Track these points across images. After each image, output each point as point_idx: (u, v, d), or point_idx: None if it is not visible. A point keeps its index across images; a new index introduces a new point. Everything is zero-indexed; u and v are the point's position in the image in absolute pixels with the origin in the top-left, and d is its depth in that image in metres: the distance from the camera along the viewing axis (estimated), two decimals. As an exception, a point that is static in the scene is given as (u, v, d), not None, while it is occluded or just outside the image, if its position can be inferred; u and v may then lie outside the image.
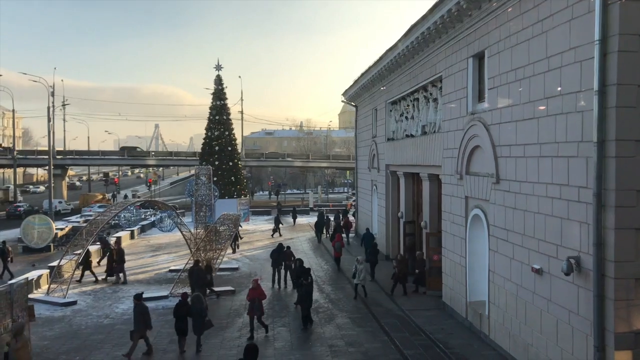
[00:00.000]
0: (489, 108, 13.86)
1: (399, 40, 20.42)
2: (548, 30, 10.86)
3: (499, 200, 13.32)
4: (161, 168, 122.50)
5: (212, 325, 14.50)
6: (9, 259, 25.64)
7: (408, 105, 22.79)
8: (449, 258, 17.32)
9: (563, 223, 10.41)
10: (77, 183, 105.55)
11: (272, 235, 36.83)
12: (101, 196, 68.99)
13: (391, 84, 24.79)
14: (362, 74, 28.62)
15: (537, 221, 11.39)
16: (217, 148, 46.44)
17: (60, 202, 61.34)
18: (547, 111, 10.89)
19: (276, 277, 21.74)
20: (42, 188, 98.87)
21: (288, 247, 22.37)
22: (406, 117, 23.03)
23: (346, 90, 34.34)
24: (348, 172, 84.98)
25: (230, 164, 46.66)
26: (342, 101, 36.58)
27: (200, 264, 19.66)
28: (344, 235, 30.79)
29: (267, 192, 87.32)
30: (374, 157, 29.04)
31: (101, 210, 36.83)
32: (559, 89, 10.44)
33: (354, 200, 47.39)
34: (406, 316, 17.09)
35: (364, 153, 32.69)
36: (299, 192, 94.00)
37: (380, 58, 24.05)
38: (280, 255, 21.88)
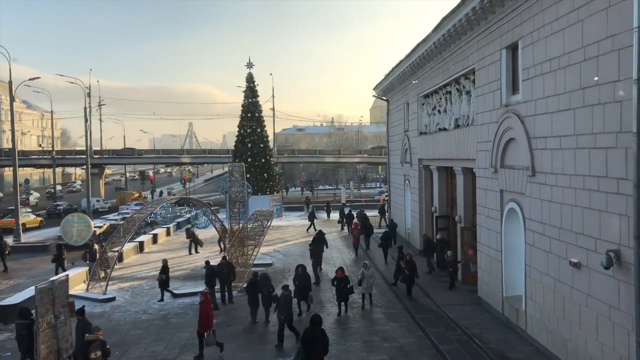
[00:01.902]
0: (524, 100, 13.64)
1: (431, 33, 20.23)
2: (584, 18, 10.60)
3: (535, 193, 13.10)
4: (195, 166, 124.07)
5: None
6: (7, 252, 26.39)
7: (440, 99, 22.59)
8: (484, 252, 17.13)
9: (602, 216, 10.18)
10: (119, 178, 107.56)
11: (307, 230, 37.15)
12: (137, 194, 70.32)
13: (423, 77, 24.59)
14: (394, 68, 28.46)
15: (575, 214, 11.17)
16: (249, 145, 46.81)
17: (98, 201, 62.65)
18: (584, 102, 10.65)
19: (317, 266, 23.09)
20: (78, 186, 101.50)
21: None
22: (439, 111, 22.83)
23: (377, 85, 34.20)
24: (380, 167, 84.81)
25: (263, 160, 46.98)
26: (374, 96, 36.45)
27: (227, 259, 20.00)
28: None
29: (299, 188, 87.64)
30: (407, 151, 28.87)
31: (138, 208, 37.51)
32: (596, 78, 10.19)
33: (386, 195, 47.22)
34: (441, 311, 16.97)
35: (396, 147, 32.52)
36: (331, 187, 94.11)
37: (412, 51, 23.87)
38: (320, 245, 23.85)
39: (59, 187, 78.08)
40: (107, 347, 11.25)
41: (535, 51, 12.89)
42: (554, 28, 11.85)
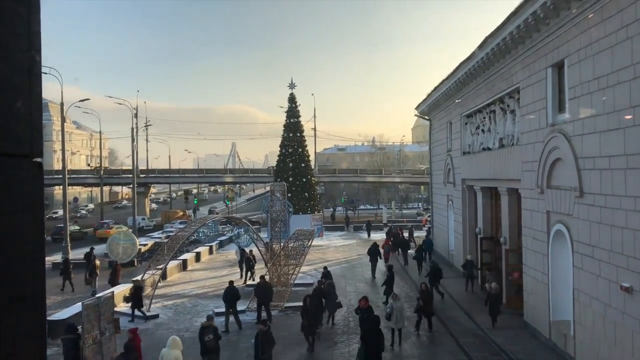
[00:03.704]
0: (571, 119, 13.35)
1: (475, 51, 20.11)
2: (634, 35, 10.36)
3: (583, 215, 12.74)
4: (238, 185, 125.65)
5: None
6: (95, 271, 26.64)
7: (484, 118, 22.34)
8: (530, 275, 16.71)
9: (655, 239, 9.81)
10: (154, 205, 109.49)
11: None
12: (182, 212, 71.59)
13: (466, 96, 24.39)
14: (436, 87, 28.34)
15: (626, 236, 10.80)
16: (291, 164, 47.22)
17: (143, 219, 64.02)
18: (634, 121, 10.35)
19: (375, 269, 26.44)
20: (124, 203, 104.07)
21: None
22: (482, 130, 22.57)
23: (419, 104, 34.08)
24: (422, 187, 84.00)
25: (304, 180, 47.29)
26: (416, 115, 36.38)
27: (266, 279, 20.02)
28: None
29: (340, 208, 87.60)
30: (449, 171, 28.57)
31: (182, 226, 38.19)
32: (647, 97, 9.91)
33: (428, 216, 46.69)
34: (485, 335, 16.57)
35: (438, 167, 32.23)
36: (372, 207, 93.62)
37: (455, 70, 23.75)
38: (377, 253, 27.53)
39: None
40: (219, 332, 14.11)
41: (582, 69, 12.63)
42: (602, 46, 11.61)
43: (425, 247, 29.77)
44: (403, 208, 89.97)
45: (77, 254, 36.89)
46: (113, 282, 24.06)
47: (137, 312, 20.08)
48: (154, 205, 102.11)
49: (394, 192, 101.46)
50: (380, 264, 28.08)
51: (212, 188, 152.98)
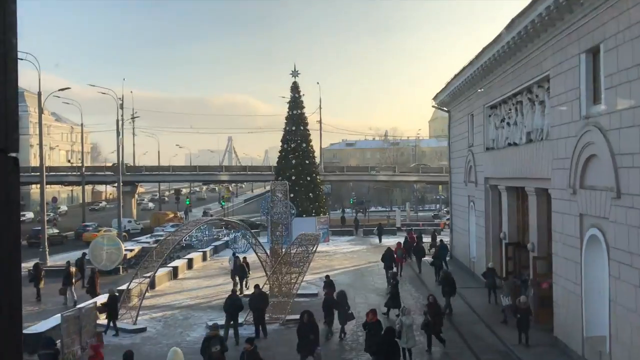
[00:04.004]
0: (607, 111, 13.31)
1: (500, 34, 20.06)
2: (678, 17, 10.31)
3: (621, 218, 12.70)
4: (235, 184, 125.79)
5: (353, 317, 17.52)
6: (70, 279, 26.57)
7: (510, 110, 22.30)
8: (561, 285, 16.67)
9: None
10: (150, 204, 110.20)
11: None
12: (172, 214, 71.79)
13: (490, 85, 24.35)
14: (457, 75, 28.30)
15: (669, 243, 10.75)
16: (293, 161, 47.16)
17: (129, 221, 64.21)
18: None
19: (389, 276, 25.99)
20: (102, 204, 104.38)
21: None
22: (508, 123, 22.53)
23: (437, 95, 34.03)
24: (440, 186, 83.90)
25: (308, 178, 47.22)
26: (433, 106, 36.32)
27: (260, 289, 20.00)
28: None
29: (349, 210, 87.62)
30: (471, 169, 28.53)
31: (174, 229, 38.32)
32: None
33: (447, 219, 46.63)
34: (511, 352, 16.56)
35: (458, 165, 32.18)
36: (384, 209, 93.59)
37: (478, 55, 23.71)
38: (392, 259, 28.09)
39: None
40: (225, 343, 14.61)
41: (620, 55, 12.58)
42: (643, 29, 11.56)
43: (440, 253, 30.05)
44: (419, 210, 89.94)
45: (55, 261, 37.05)
46: (92, 291, 24.13)
47: (119, 325, 20.14)
48: (151, 205, 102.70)
49: (408, 193, 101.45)
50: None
51: (210, 186, 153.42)
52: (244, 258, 27.74)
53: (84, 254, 30.99)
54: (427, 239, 38.40)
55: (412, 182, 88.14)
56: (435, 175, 77.92)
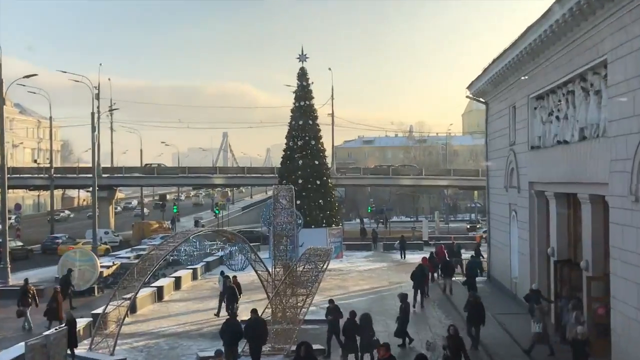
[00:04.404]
0: (677, 102, 13.21)
1: (551, 9, 19.96)
2: None
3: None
4: (231, 188, 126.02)
5: (379, 344, 16.63)
6: (27, 299, 26.74)
7: (559, 101, 22.19)
8: (619, 311, 16.56)
9: None
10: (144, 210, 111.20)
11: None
12: (157, 224, 71.97)
13: (535, 72, 24.25)
14: (495, 60, 28.20)
15: None
16: (300, 162, 47.13)
17: (106, 233, 64.38)
18: None
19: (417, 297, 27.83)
20: (65, 214, 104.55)
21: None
22: (557, 117, 22.42)
23: (473, 83, 33.93)
24: (476, 192, 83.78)
25: (318, 182, 47.16)
26: (467, 97, 36.23)
27: (258, 314, 19.91)
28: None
29: (367, 220, 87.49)
30: (512, 171, 28.43)
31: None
32: None
33: (484, 232, 46.48)
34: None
35: (498, 167, 32.06)
36: (409, 219, 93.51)
37: (521, 37, 23.62)
38: (423, 276, 28.89)
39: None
40: None
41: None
42: None
43: (470, 270, 30.15)
44: (450, 220, 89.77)
45: (19, 279, 37.12)
46: (53, 315, 24.17)
47: (93, 356, 20.15)
48: (144, 210, 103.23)
49: (438, 200, 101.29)
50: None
51: (201, 192, 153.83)
52: (234, 278, 27.54)
53: (70, 271, 31.00)
54: (466, 255, 38.30)
55: (442, 187, 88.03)
56: (470, 179, 77.77)
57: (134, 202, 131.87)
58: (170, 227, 74.12)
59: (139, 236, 65.29)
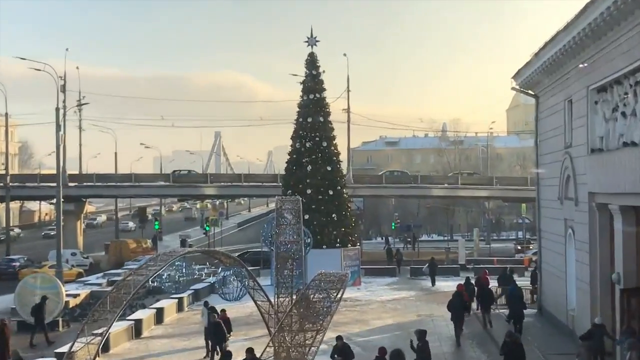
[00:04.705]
0: None
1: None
2: None
3: None
4: (223, 200, 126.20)
5: None
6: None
7: (626, 94, 22.09)
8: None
9: None
10: (131, 224, 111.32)
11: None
12: (134, 244, 72.06)
13: (596, 57, 24.16)
14: (547, 44, 28.14)
15: None
16: (309, 168, 47.16)
17: (73, 254, 64.46)
18: None
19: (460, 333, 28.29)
20: (15, 232, 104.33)
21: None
22: (623, 113, 22.32)
23: (519, 71, 33.85)
24: (524, 205, 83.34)
25: (331, 192, 47.14)
26: (513, 88, 36.12)
27: (255, 355, 19.88)
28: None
29: (392, 239, 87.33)
30: (568, 180, 28.32)
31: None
32: None
33: (534, 254, 46.31)
34: None
35: (550, 174, 31.95)
36: (441, 238, 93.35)
37: (578, 16, 23.55)
38: (463, 307, 29.15)
39: None
40: None
41: None
42: None
43: (510, 298, 30.26)
44: (492, 239, 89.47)
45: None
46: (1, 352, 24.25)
47: None
48: (131, 225, 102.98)
49: (477, 214, 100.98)
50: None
51: (187, 204, 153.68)
52: (223, 312, 27.11)
53: (45, 298, 31.08)
54: (522, 281, 38.30)
55: (483, 199, 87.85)
56: (516, 189, 77.47)
57: (100, 219, 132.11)
58: (153, 246, 74.16)
59: (115, 258, 65.34)
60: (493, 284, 36.23)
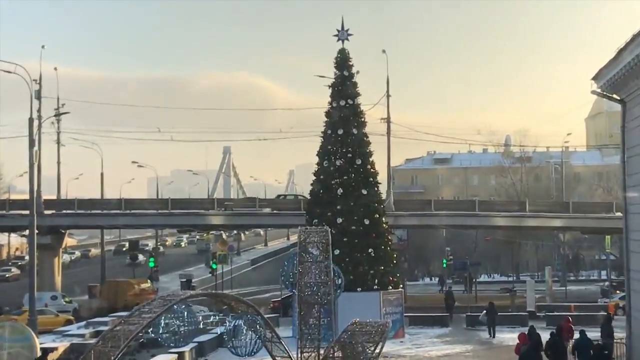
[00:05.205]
0: None
1: None
2: None
3: None
4: (235, 231, 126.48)
5: None
6: None
7: None
8: None
9: None
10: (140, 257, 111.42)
11: None
12: (136, 283, 72.38)
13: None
14: (635, 37, 28.14)
15: None
16: (340, 191, 47.18)
17: (54, 298, 64.79)
18: None
19: None
20: None
21: None
22: None
23: (601, 72, 33.80)
24: (608, 237, 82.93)
25: (367, 222, 47.11)
26: (593, 92, 36.02)
27: None
28: None
29: (438, 279, 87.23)
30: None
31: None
32: None
33: (621, 298, 46.02)
34: None
35: (641, 199, 31.85)
36: (504, 278, 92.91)
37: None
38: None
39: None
40: None
41: None
42: None
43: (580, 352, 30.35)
44: (569, 280, 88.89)
45: None
46: None
47: None
48: (141, 258, 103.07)
49: (550, 249, 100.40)
50: None
51: (190, 236, 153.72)
52: None
53: (46, 352, 31.40)
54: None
55: (557, 230, 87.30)
56: (598, 217, 76.98)
57: (78, 253, 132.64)
58: (155, 288, 74.30)
59: (109, 303, 65.55)
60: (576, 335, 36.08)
